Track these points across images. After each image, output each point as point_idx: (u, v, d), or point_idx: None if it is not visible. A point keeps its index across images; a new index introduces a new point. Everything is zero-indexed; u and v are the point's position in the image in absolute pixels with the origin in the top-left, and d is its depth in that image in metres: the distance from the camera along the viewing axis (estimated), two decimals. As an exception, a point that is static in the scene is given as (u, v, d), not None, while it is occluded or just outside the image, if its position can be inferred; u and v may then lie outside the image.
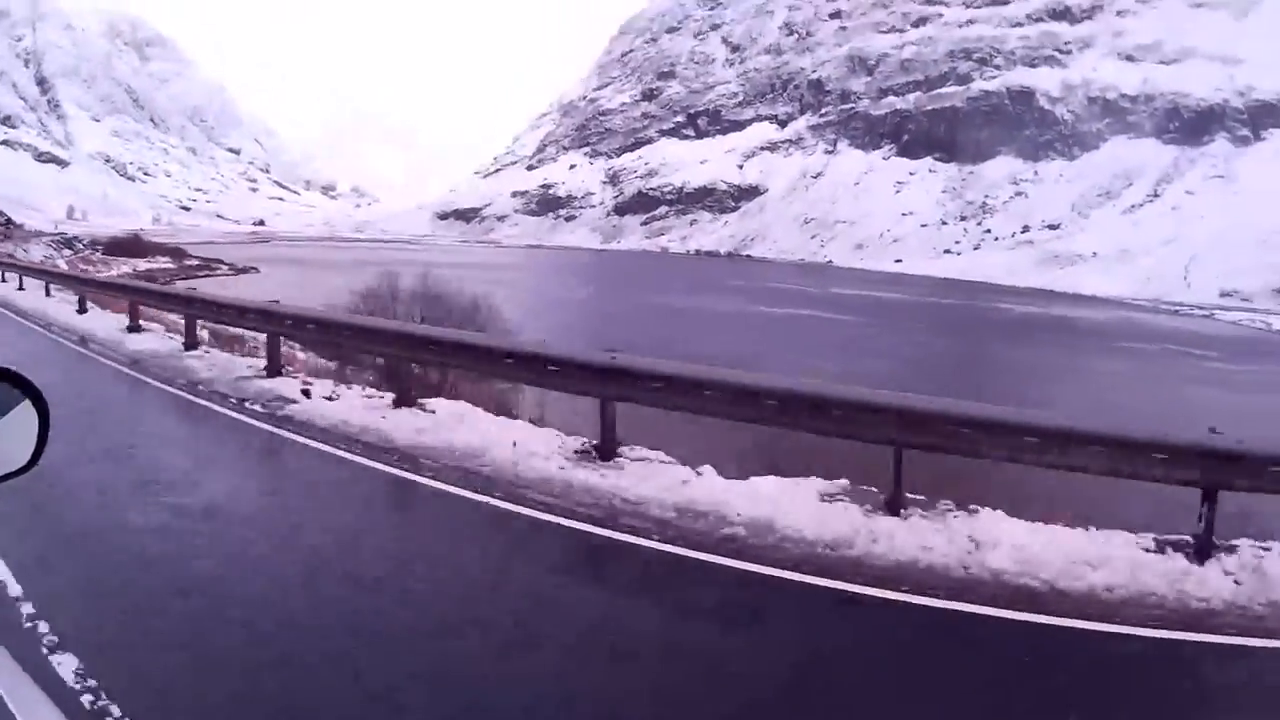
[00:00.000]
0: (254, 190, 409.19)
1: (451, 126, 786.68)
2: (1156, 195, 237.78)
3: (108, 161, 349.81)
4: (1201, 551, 7.31)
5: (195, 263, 62.88)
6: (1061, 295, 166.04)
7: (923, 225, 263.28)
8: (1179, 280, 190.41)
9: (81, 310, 22.40)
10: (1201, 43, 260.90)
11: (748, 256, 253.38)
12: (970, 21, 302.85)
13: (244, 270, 62.19)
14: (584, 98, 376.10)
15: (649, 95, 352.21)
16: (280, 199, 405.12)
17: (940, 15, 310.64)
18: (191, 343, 16.69)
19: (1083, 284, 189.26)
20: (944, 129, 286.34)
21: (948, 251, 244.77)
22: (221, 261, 64.90)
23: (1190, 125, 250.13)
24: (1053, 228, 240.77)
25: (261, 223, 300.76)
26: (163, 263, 62.20)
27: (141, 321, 19.47)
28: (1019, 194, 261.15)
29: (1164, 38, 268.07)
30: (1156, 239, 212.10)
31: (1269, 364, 63.47)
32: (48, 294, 26.99)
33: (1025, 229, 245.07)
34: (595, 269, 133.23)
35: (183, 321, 17.97)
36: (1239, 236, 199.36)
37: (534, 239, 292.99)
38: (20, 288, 29.98)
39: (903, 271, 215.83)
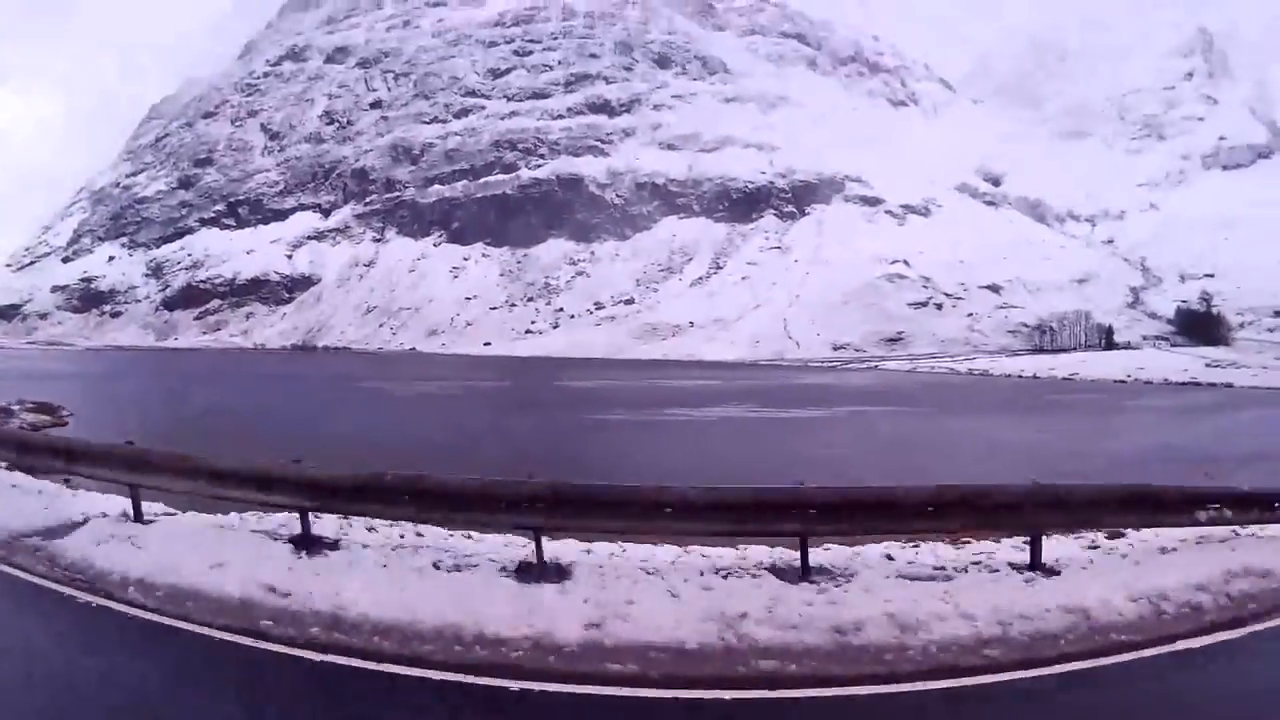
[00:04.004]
0: None
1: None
2: (719, 267, 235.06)
3: None
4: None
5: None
6: (693, 363, 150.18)
7: (492, 308, 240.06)
8: (784, 340, 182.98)
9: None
10: (737, 132, 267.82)
11: (346, 349, 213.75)
12: (513, 114, 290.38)
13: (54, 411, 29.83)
14: (117, 184, 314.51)
15: (186, 183, 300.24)
16: None
17: (482, 107, 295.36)
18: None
19: (700, 351, 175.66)
20: (494, 216, 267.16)
21: (529, 332, 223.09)
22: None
23: (739, 205, 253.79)
24: (628, 303, 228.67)
25: None
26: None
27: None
28: (580, 274, 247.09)
29: (702, 129, 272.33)
30: (741, 306, 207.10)
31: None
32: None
33: (598, 305, 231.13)
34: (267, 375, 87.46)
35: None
36: (819, 298, 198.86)
37: (83, 338, 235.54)
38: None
39: (498, 354, 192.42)
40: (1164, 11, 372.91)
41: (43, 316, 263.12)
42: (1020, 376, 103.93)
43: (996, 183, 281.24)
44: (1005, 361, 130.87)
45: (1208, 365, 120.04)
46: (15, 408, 31.48)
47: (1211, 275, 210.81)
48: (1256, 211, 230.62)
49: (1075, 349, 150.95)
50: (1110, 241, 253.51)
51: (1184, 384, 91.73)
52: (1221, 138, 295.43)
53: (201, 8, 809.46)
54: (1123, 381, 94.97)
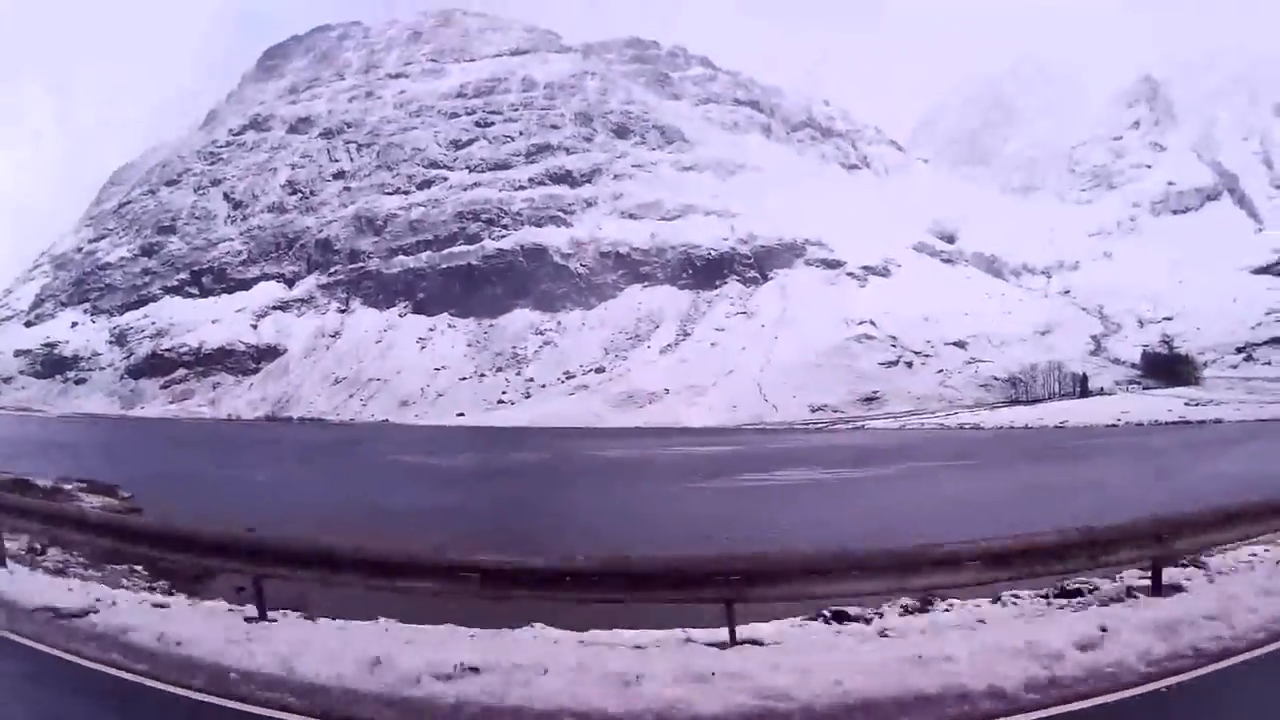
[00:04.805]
0: None
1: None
2: (687, 334, 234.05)
3: None
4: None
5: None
6: (679, 430, 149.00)
7: (462, 379, 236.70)
8: (761, 404, 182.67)
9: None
10: (697, 200, 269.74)
11: (320, 420, 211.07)
12: (475, 185, 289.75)
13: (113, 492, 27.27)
14: (79, 250, 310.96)
15: (149, 250, 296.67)
16: None
17: (445, 179, 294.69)
18: None
19: (681, 418, 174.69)
20: (459, 286, 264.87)
21: (500, 402, 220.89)
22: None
23: (702, 272, 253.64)
24: (598, 371, 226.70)
25: None
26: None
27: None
28: (547, 343, 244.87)
29: (662, 197, 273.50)
30: (713, 371, 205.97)
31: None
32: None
33: (568, 375, 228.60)
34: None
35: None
36: (790, 360, 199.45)
37: (47, 404, 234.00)
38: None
39: (474, 424, 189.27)
40: (1104, 61, 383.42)
41: (6, 381, 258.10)
42: (1012, 428, 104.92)
43: (951, 240, 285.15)
44: (990, 414, 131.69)
45: (1188, 404, 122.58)
46: (69, 487, 27.57)
47: (1170, 318, 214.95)
48: (1208, 253, 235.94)
49: (1050, 398, 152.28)
50: (1067, 292, 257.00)
51: (1173, 423, 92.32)
52: (1170, 183, 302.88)
53: (169, 75, 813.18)
54: (1114, 425, 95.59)
